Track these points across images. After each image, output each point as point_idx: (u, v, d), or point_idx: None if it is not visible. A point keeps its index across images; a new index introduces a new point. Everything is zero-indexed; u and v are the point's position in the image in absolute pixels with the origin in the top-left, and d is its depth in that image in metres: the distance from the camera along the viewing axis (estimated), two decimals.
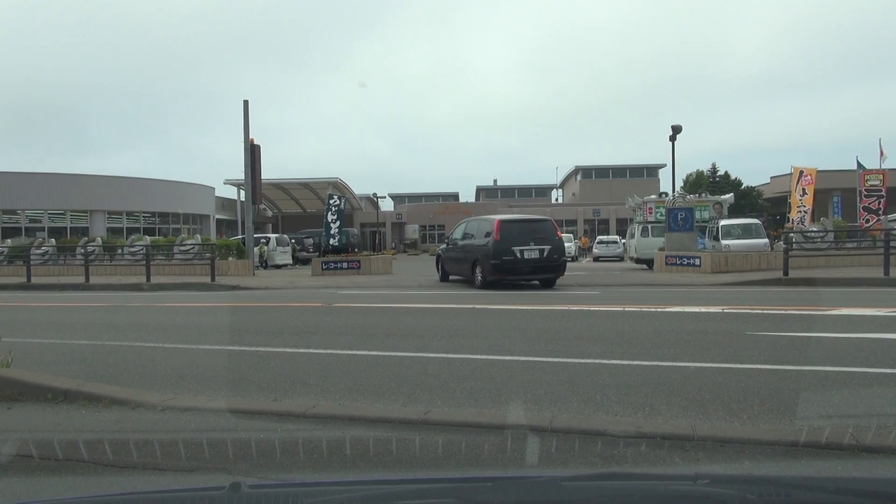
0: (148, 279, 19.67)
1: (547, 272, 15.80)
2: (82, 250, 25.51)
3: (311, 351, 7.26)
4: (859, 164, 35.58)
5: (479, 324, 9.45)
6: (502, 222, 15.99)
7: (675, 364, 6.17)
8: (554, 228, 16.34)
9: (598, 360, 6.39)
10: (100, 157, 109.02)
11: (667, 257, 21.17)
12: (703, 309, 10.15)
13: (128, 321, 10.69)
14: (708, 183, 76.90)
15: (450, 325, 9.32)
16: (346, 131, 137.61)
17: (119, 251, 25.39)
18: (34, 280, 20.78)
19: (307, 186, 55.28)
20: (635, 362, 6.27)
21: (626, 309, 10.17)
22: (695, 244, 22.09)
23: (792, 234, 20.95)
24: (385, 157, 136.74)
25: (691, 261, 20.36)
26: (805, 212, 24.58)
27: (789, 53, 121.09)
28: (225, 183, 47.14)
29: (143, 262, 24.49)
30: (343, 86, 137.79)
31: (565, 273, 16.52)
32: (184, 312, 11.87)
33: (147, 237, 27.56)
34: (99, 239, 27.23)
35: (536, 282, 16.15)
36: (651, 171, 71.64)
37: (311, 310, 11.30)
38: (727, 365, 6.09)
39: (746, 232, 23.72)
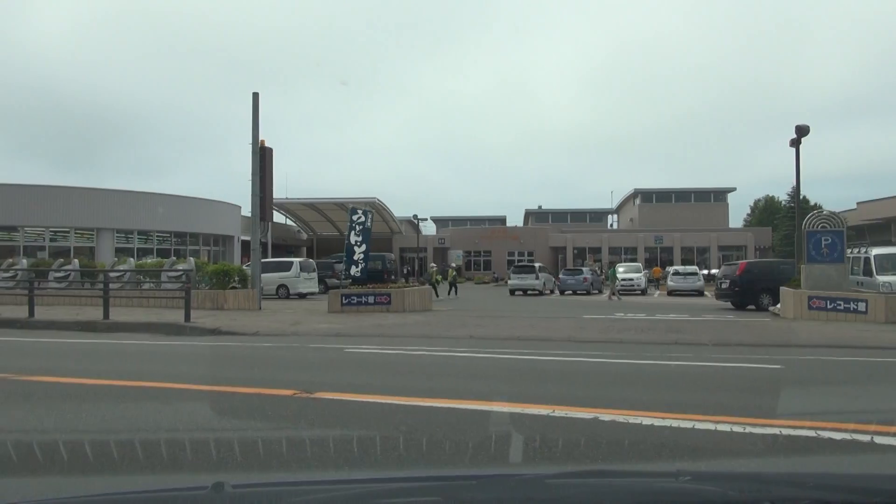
0: (105, 316, 14.73)
1: None
2: (56, 274, 20.97)
3: None
4: None
5: None
6: None
7: None
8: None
9: None
10: (152, 178, 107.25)
11: (811, 299, 15.30)
12: None
13: None
14: (784, 209, 69.94)
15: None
16: (400, 155, 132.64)
17: (100, 276, 20.71)
18: None
19: (343, 207, 50.64)
20: None
21: (877, 440, 4.56)
22: (846, 281, 16.18)
23: None
24: (434, 180, 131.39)
25: (851, 305, 14.47)
26: None
27: (873, 75, 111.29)
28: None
29: (126, 289, 19.85)
30: (400, 109, 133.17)
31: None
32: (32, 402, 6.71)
33: (131, 260, 22.87)
34: (76, 261, 22.66)
35: None
36: (719, 195, 65.02)
37: (275, 402, 6.00)
38: None
39: None
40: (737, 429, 4.78)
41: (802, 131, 19.67)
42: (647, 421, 5.01)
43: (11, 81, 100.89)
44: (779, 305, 18.32)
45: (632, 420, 5.04)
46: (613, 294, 28.72)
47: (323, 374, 7.81)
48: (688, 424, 4.89)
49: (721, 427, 4.83)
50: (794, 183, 19.50)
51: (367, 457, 4.27)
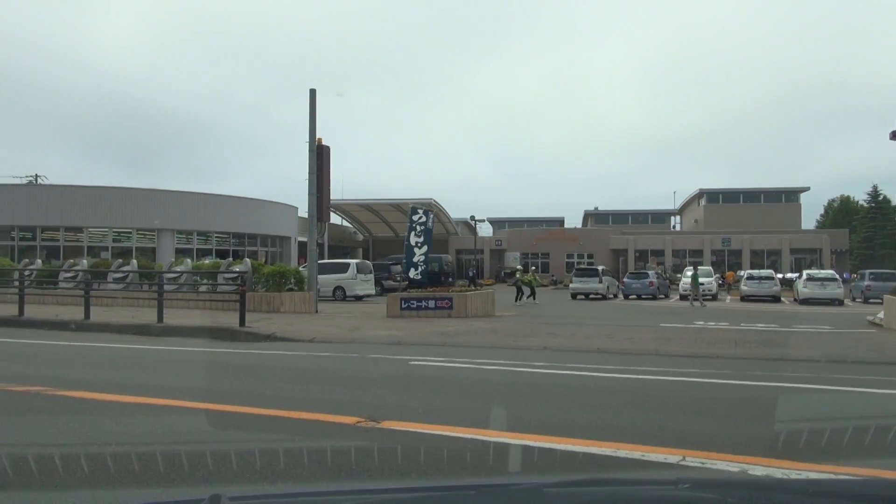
0: (160, 319, 14.23)
1: None
2: (115, 275, 20.82)
3: None
4: None
5: None
6: None
7: None
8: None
9: None
10: (213, 180, 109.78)
11: None
12: None
13: None
14: (864, 210, 65.98)
15: None
16: (455, 157, 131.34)
17: (157, 277, 20.45)
18: (29, 313, 15.87)
19: (399, 208, 50.21)
20: None
21: None
22: None
23: None
24: (490, 182, 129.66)
25: None
26: None
27: None
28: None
29: (182, 291, 19.51)
30: (455, 112, 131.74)
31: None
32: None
33: (188, 261, 22.55)
34: (134, 262, 22.50)
35: None
36: (791, 195, 61.68)
37: (336, 433, 5.08)
38: None
39: None
40: None
41: None
42: (813, 474, 3.85)
43: (81, 87, 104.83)
44: (880, 315, 16.57)
45: (793, 474, 3.89)
46: (696, 300, 27.24)
47: (388, 393, 6.85)
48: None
49: None
50: (874, 184, 17.58)
51: None
